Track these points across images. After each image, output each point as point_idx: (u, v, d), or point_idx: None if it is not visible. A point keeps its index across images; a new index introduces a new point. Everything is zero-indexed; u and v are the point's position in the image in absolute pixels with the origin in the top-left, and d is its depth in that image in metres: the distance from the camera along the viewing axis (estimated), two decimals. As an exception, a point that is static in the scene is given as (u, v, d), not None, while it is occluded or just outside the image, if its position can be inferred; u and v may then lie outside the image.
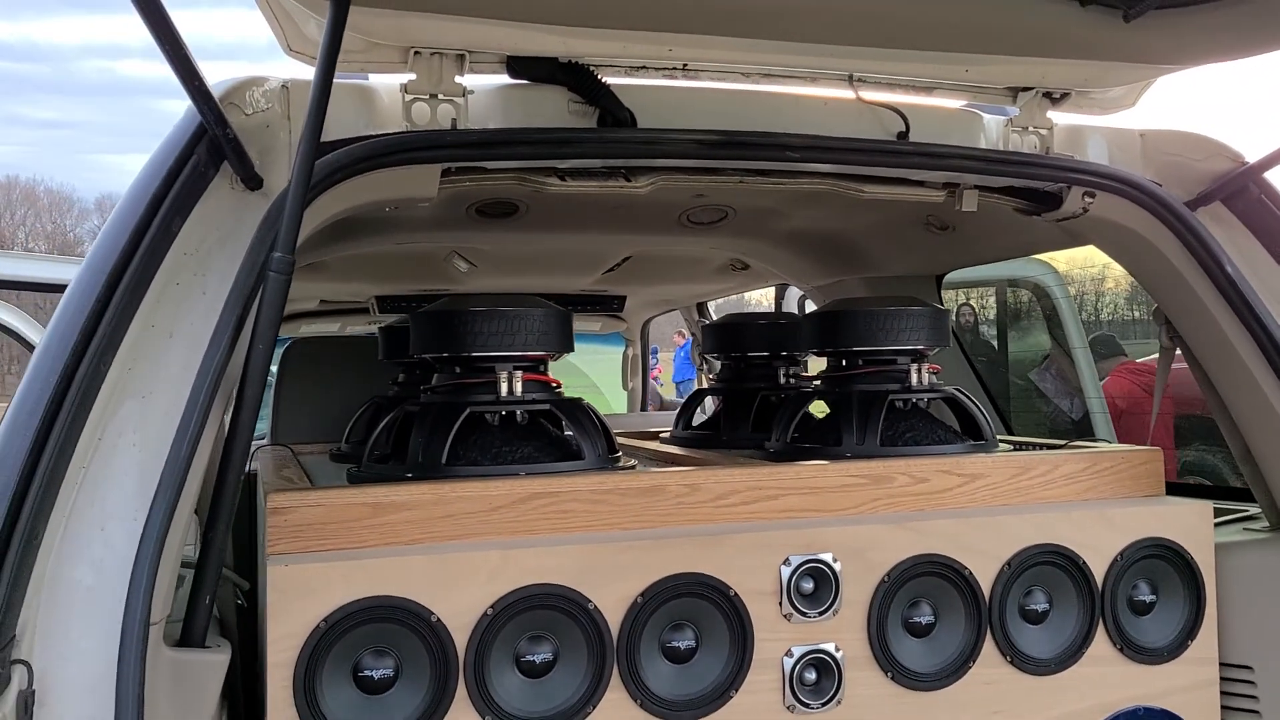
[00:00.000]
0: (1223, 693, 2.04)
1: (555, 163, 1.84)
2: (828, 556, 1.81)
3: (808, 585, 1.81)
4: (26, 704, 1.22)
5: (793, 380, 2.84)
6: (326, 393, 3.00)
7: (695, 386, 5.78)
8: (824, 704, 1.79)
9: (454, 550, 1.65)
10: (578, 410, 2.04)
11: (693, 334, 5.19)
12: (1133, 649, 1.98)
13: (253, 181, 1.58)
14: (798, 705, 1.78)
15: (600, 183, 1.94)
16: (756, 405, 2.79)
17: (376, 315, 4.08)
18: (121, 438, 1.40)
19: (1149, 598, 2.02)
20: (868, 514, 1.94)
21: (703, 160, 1.90)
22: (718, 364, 2.98)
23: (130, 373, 1.42)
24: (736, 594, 1.75)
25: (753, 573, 1.77)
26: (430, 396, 2.04)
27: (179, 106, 1.63)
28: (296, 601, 1.54)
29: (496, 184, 1.94)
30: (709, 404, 3.48)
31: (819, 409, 2.45)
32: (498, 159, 1.76)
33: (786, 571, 1.78)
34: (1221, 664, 2.05)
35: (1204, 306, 2.05)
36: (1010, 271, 4.40)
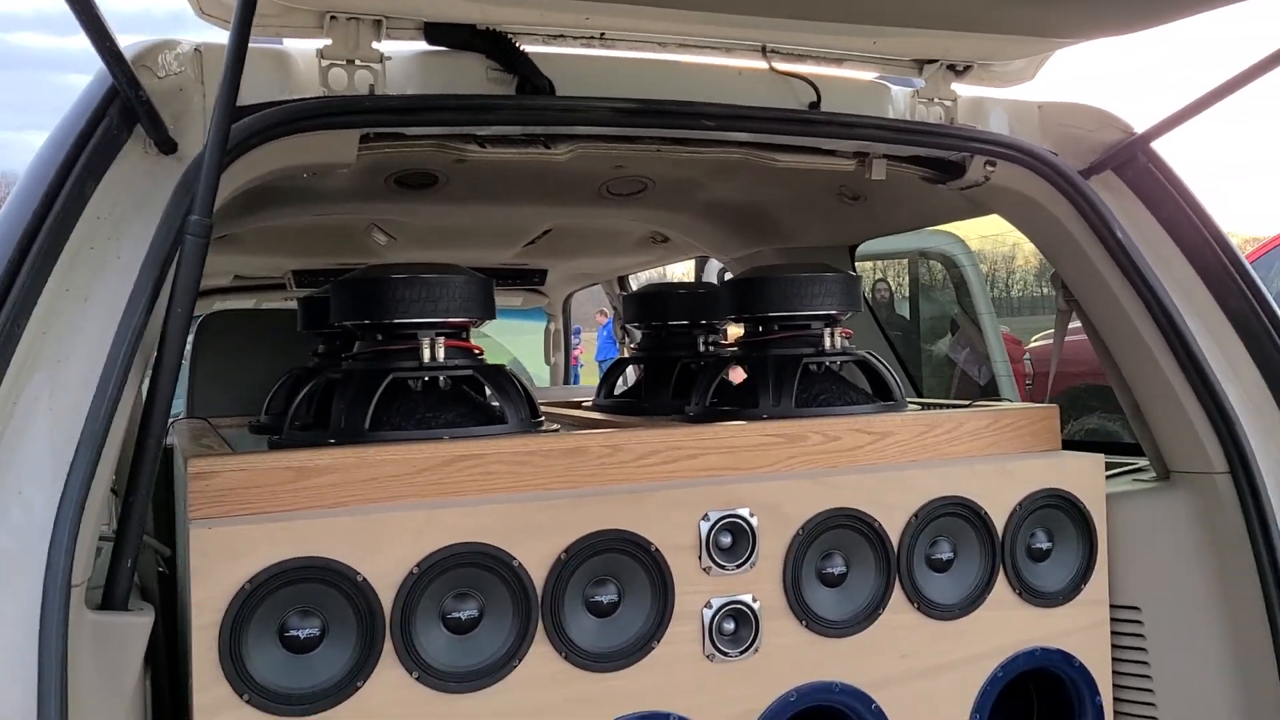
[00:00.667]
0: (1113, 632, 2.18)
1: (474, 129, 1.86)
2: (744, 512, 1.87)
3: (725, 540, 1.87)
4: None
5: (712, 348, 2.90)
6: (243, 366, 2.97)
7: (618, 362, 5.82)
8: (742, 652, 1.86)
9: (379, 511, 1.68)
10: (500, 376, 2.07)
11: (614, 308, 5.23)
12: (1031, 593, 2.09)
13: (166, 145, 1.57)
14: (717, 654, 1.85)
15: (520, 150, 1.96)
16: (677, 372, 2.85)
17: (293, 290, 4.04)
18: (37, 403, 1.39)
19: (1045, 545, 2.13)
20: (783, 471, 2.01)
21: (621, 128, 1.94)
22: (638, 334, 3.03)
23: (45, 337, 1.41)
24: (657, 549, 1.81)
25: (673, 528, 1.83)
26: (352, 364, 2.05)
27: (78, 80, 1.61)
28: (220, 564, 1.55)
29: (416, 151, 1.95)
30: (630, 374, 3.53)
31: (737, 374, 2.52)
32: (417, 124, 1.77)
33: (705, 526, 1.84)
34: (1112, 605, 2.18)
35: (1096, 270, 2.16)
36: (921, 244, 4.54)
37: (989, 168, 2.15)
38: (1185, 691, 2.12)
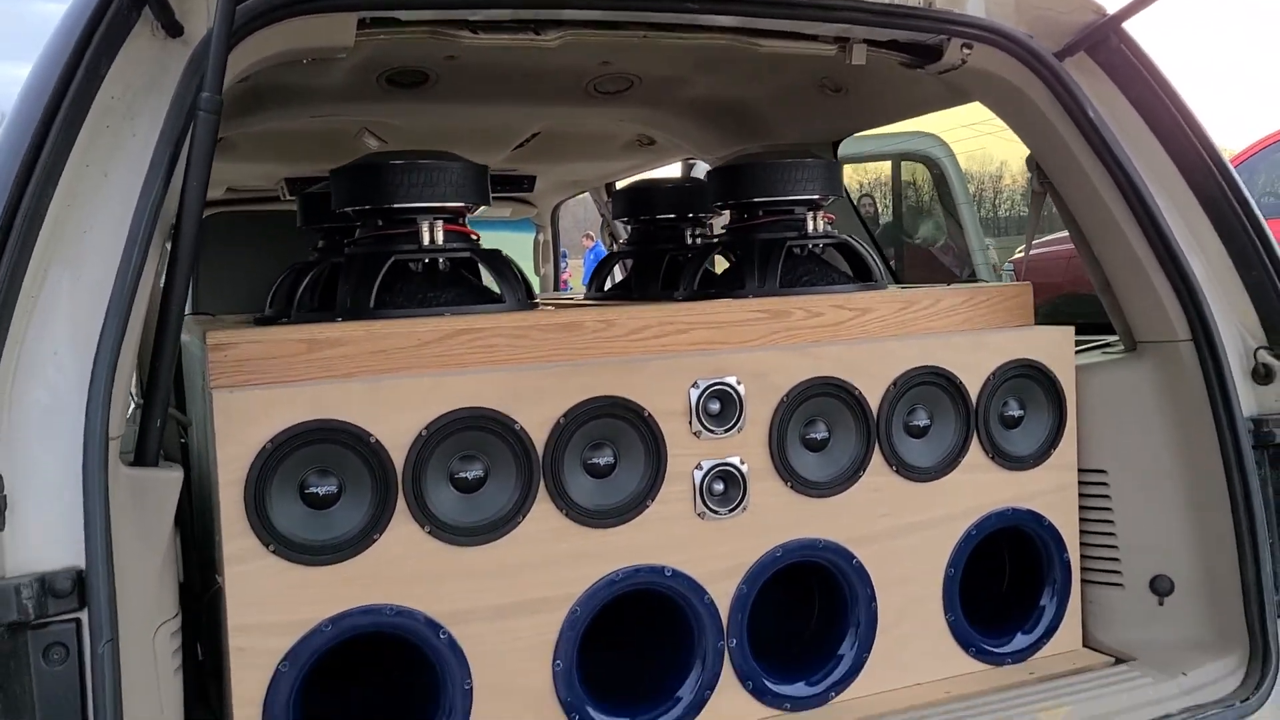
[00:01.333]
0: (1081, 494, 2.31)
1: (467, 13, 1.92)
2: (732, 380, 1.98)
3: (714, 406, 1.98)
4: None
5: (699, 240, 2.99)
6: (246, 264, 3.05)
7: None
8: (731, 510, 1.99)
9: (388, 379, 1.78)
10: (497, 259, 2.16)
11: (603, 216, 5.28)
12: (1003, 457, 2.22)
13: (173, 29, 1.63)
14: (708, 512, 1.97)
15: (511, 36, 2.02)
16: (665, 265, 2.94)
17: (286, 198, 4.09)
18: (67, 270, 1.47)
19: (1017, 413, 2.26)
20: (768, 345, 2.12)
21: (607, 11, 1.99)
22: (627, 230, 3.11)
23: (69, 209, 1.49)
24: (650, 414, 1.92)
25: (665, 395, 1.94)
26: (355, 248, 2.13)
27: (54, 9, 1.64)
28: (243, 426, 1.65)
29: (409, 43, 2.00)
30: (618, 272, 3.62)
31: (723, 261, 2.61)
32: (411, 6, 1.83)
33: (695, 393, 1.95)
34: (1080, 469, 2.31)
35: (1070, 150, 2.24)
36: (902, 146, 4.61)
37: (965, 50, 2.22)
38: (1147, 547, 2.27)
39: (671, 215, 2.98)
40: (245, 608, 1.66)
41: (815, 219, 2.42)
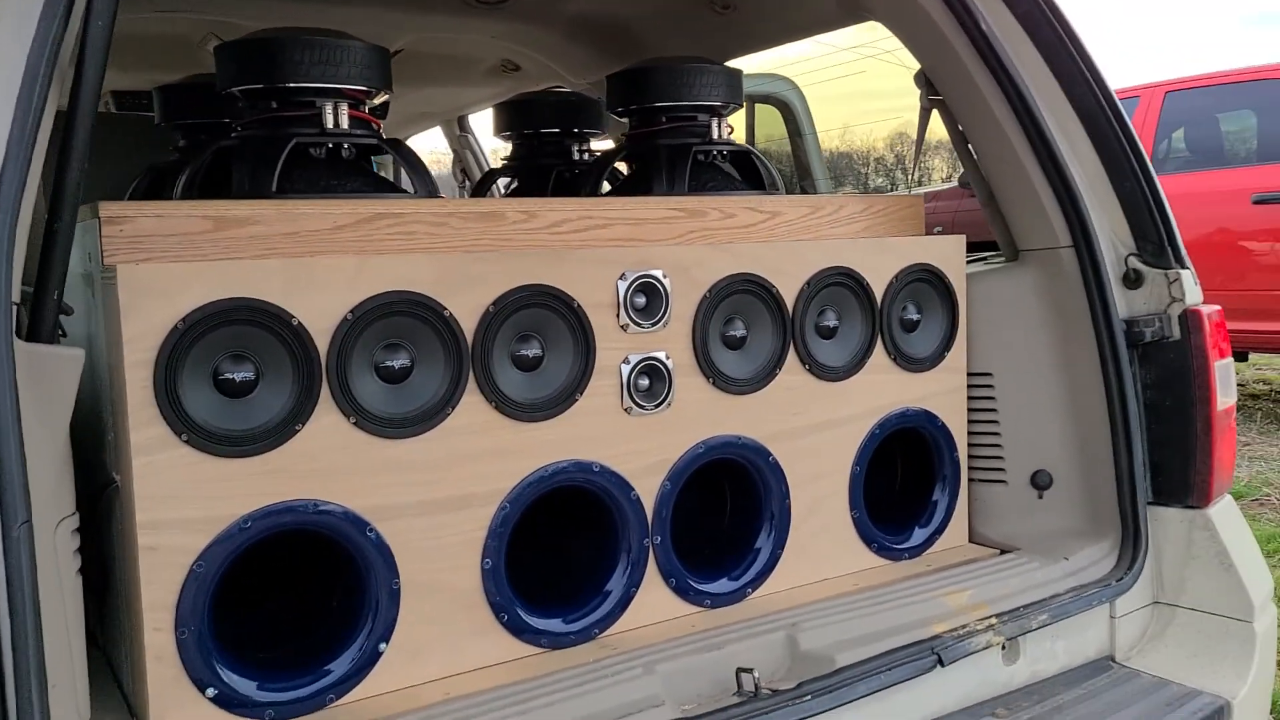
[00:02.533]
0: (970, 396, 2.42)
1: None
2: (658, 273, 1.95)
3: (640, 300, 1.95)
4: None
5: (586, 156, 2.93)
6: (95, 171, 2.75)
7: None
8: (656, 406, 1.97)
9: (310, 259, 1.65)
10: (404, 148, 2.04)
11: (454, 150, 5.12)
12: (904, 359, 2.29)
13: None
14: (635, 407, 1.94)
15: None
16: (552, 181, 2.87)
17: (113, 112, 3.73)
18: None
19: (915, 317, 2.33)
20: (687, 243, 2.09)
21: None
22: (509, 145, 3.01)
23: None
24: (579, 305, 1.87)
25: (593, 286, 1.89)
26: (249, 131, 1.96)
27: None
28: (151, 300, 1.49)
29: None
30: (501, 186, 3.50)
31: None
32: None
33: (623, 285, 1.91)
34: (969, 372, 2.42)
35: (962, 63, 2.32)
36: (757, 89, 4.68)
37: (869, -40, 2.25)
38: (1028, 445, 2.40)
39: (556, 130, 2.90)
40: (155, 502, 1.51)
41: (720, 126, 2.41)
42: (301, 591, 1.81)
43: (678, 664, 1.77)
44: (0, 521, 1.17)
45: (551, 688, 1.67)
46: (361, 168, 2.02)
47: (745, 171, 2.53)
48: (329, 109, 1.92)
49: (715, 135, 2.40)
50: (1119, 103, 2.33)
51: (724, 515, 2.19)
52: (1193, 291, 2.27)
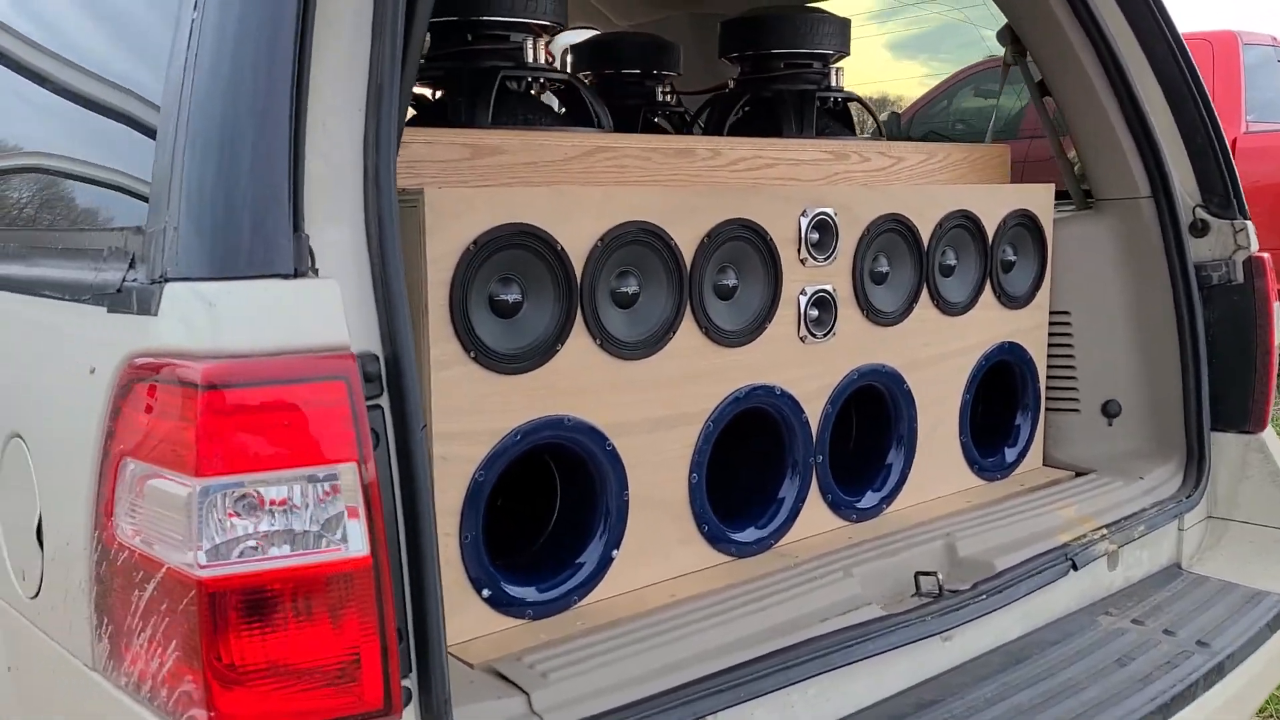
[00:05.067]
0: (1050, 332, 2.65)
1: None
2: (830, 210, 2.09)
3: (815, 236, 2.09)
4: None
5: (668, 98, 3.02)
6: None
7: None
8: (823, 336, 2.12)
9: (569, 188, 1.73)
10: (585, 87, 2.11)
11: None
12: (1006, 297, 2.50)
13: None
14: (808, 336, 2.09)
15: None
16: (640, 122, 2.95)
17: None
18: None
19: (1013, 258, 2.54)
20: (833, 183, 2.24)
21: None
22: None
23: None
24: (772, 239, 2.00)
25: (779, 221, 2.02)
26: (453, 64, 2.00)
27: None
28: (451, 223, 1.55)
29: None
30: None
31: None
32: None
33: (804, 221, 2.05)
34: (1051, 310, 2.65)
35: (1055, 18, 2.50)
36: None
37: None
38: (1101, 377, 2.65)
39: (637, 70, 2.98)
40: (449, 415, 1.59)
41: (837, 73, 2.55)
42: (533, 502, 1.91)
43: (867, 568, 1.95)
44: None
45: (773, 588, 1.82)
46: (543, 104, 2.09)
47: (839, 116, 2.69)
48: (530, 44, 1.98)
49: (833, 81, 2.54)
50: (1194, 64, 2.56)
51: (846, 438, 2.36)
52: (1255, 240, 2.55)
